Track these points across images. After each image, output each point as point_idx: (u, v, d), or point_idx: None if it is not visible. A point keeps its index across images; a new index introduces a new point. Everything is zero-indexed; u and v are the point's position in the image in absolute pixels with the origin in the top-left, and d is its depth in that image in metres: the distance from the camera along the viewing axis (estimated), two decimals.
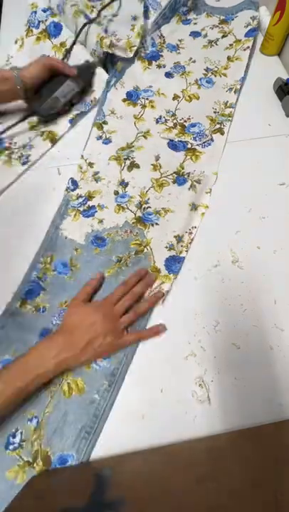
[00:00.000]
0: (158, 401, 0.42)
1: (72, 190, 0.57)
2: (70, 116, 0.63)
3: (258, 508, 0.27)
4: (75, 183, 0.57)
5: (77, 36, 0.65)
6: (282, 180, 0.56)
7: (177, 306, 0.47)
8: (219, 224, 0.53)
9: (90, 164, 0.59)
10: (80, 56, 0.65)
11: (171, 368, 0.43)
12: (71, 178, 0.57)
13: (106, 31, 0.69)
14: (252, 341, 0.44)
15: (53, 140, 0.61)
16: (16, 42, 0.71)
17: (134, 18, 0.78)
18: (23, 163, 0.58)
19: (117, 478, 0.34)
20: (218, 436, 0.39)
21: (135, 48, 0.67)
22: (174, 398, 0.42)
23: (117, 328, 0.43)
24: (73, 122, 0.63)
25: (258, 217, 0.53)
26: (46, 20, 0.68)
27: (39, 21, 0.69)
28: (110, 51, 0.65)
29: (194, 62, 0.71)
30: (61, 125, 0.62)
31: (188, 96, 0.66)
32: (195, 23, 0.77)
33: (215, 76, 0.68)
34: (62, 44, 0.67)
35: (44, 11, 0.69)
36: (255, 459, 0.33)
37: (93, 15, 0.71)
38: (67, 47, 0.67)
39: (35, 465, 0.39)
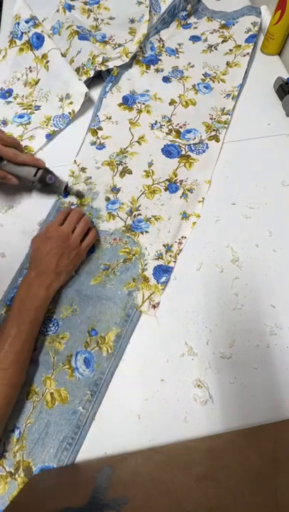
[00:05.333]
0: (157, 401, 0.45)
1: (64, 196, 0.59)
2: (48, 131, 0.66)
3: (258, 508, 0.27)
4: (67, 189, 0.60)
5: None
6: (282, 180, 0.58)
7: (177, 305, 0.50)
8: (219, 222, 0.56)
9: (83, 169, 0.62)
10: (59, 69, 0.68)
11: (172, 368, 0.46)
12: None
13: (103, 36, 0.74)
14: (252, 341, 0.47)
15: None
16: None
17: (132, 21, 0.79)
18: None
19: (118, 478, 0.34)
20: (218, 436, 0.40)
21: (132, 53, 0.72)
22: (174, 398, 0.44)
23: (74, 243, 0.50)
24: (50, 138, 0.66)
25: (258, 216, 0.56)
26: (29, 31, 0.71)
27: (22, 32, 0.72)
28: (103, 68, 0.69)
29: (193, 67, 0.75)
30: (38, 140, 0.65)
31: (185, 101, 0.70)
32: (195, 27, 0.82)
33: (213, 82, 0.72)
34: (44, 56, 0.70)
35: (27, 21, 0.72)
36: (254, 459, 0.33)
37: (88, 27, 0.76)
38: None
39: (16, 476, 0.41)
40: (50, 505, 0.34)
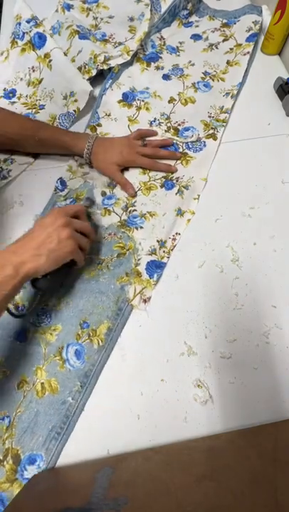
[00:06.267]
0: (157, 401, 0.45)
1: (61, 190, 0.60)
2: None
3: (258, 507, 0.27)
4: (63, 184, 0.61)
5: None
6: (282, 179, 0.59)
7: (177, 305, 0.50)
8: (219, 222, 0.56)
9: (80, 165, 0.63)
10: (63, 68, 0.69)
11: (172, 368, 0.46)
12: (60, 178, 0.61)
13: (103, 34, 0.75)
14: (252, 341, 0.48)
15: (36, 155, 0.64)
16: (1, 54, 0.76)
17: (131, 19, 0.79)
18: (3, 178, 0.61)
19: (118, 478, 0.34)
20: (217, 436, 0.40)
21: (133, 51, 0.72)
22: (174, 398, 0.45)
23: (71, 230, 0.45)
24: None
25: (258, 216, 0.57)
26: (30, 31, 0.72)
27: (24, 32, 0.72)
28: (105, 67, 0.70)
29: (193, 65, 0.75)
30: None
31: (184, 99, 0.70)
32: (197, 26, 0.81)
33: (213, 80, 0.72)
34: (46, 55, 0.71)
35: (28, 21, 0.72)
36: (254, 459, 0.34)
37: (88, 26, 0.77)
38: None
39: (5, 463, 0.42)
40: (50, 505, 0.34)
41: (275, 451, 0.36)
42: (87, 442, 0.43)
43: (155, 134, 0.65)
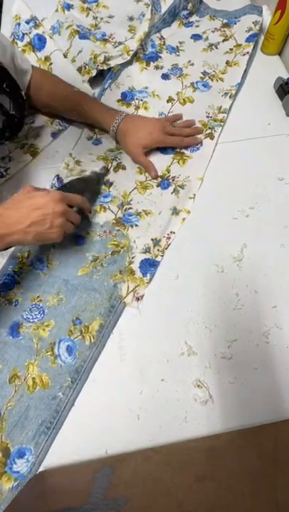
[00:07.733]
0: (157, 401, 0.45)
1: (58, 188, 0.60)
2: (52, 130, 0.67)
3: (258, 507, 0.27)
4: (60, 181, 0.61)
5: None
6: (282, 179, 0.60)
7: (177, 305, 0.50)
8: (219, 222, 0.56)
9: (77, 162, 0.63)
10: (63, 71, 0.69)
11: (172, 368, 0.46)
12: (57, 175, 0.61)
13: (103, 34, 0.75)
14: (252, 341, 0.48)
15: (34, 153, 0.65)
16: None
17: (131, 19, 0.79)
18: (1, 176, 0.62)
19: (118, 478, 0.34)
20: (217, 436, 0.40)
21: (133, 51, 0.72)
22: (174, 398, 0.45)
23: (64, 212, 0.46)
24: (56, 136, 0.67)
25: (258, 216, 0.57)
26: (30, 32, 0.72)
27: (23, 33, 0.73)
28: (105, 67, 0.70)
29: (192, 65, 0.75)
30: (44, 139, 0.66)
31: (183, 99, 0.70)
32: (197, 26, 0.82)
33: (212, 80, 0.72)
34: (46, 58, 0.71)
35: (27, 22, 0.72)
36: (254, 459, 0.34)
37: (88, 26, 0.77)
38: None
39: None
40: (49, 505, 0.34)
41: (275, 451, 0.36)
42: (88, 442, 0.42)
43: (180, 117, 0.67)
